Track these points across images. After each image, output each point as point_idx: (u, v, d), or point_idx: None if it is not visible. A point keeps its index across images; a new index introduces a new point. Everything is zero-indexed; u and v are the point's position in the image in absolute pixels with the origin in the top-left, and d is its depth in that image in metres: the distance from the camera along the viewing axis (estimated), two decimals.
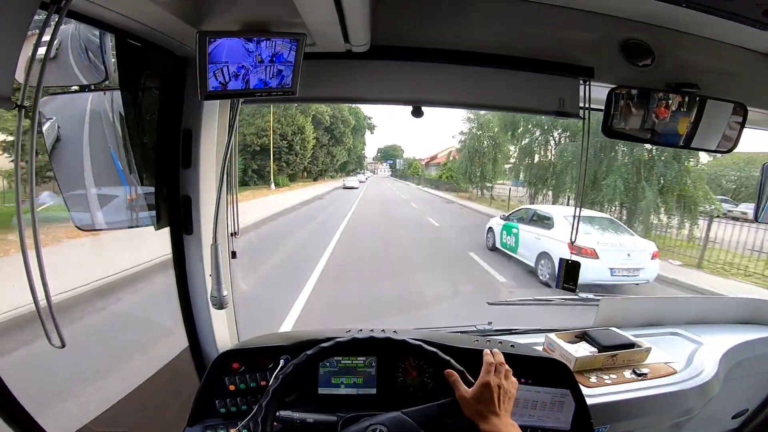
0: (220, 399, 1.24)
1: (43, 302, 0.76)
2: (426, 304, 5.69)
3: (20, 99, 0.69)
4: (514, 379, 1.03)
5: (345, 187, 32.34)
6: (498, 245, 8.55)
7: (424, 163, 55.55)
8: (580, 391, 1.29)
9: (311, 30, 1.06)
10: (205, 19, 1.01)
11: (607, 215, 8.86)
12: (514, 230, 7.99)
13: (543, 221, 7.49)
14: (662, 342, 1.82)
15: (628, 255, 6.50)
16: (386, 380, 1.27)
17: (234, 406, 1.25)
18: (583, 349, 1.66)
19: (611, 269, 6.35)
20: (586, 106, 1.35)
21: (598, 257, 6.31)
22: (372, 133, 53.67)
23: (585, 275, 3.90)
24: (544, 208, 8.16)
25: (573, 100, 1.36)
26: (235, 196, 1.38)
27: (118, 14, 0.92)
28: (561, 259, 1.49)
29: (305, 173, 36.62)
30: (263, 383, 1.25)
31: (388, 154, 71.19)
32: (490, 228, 9.10)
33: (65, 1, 0.72)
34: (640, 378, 1.58)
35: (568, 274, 1.47)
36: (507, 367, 1.03)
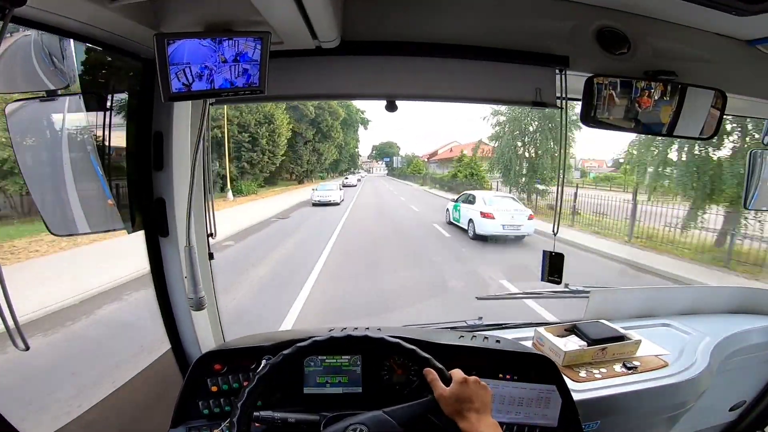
0: (203, 400, 1.24)
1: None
2: None
3: None
4: (483, 384, 1.00)
5: (344, 186, 27.51)
6: (451, 219, 13.13)
7: (424, 160, 52.82)
8: (566, 386, 1.27)
9: (276, 28, 1.05)
10: (164, 21, 1.00)
11: (509, 195, 14.53)
12: (458, 208, 12.57)
13: (471, 200, 12.15)
14: (653, 334, 1.80)
15: (512, 217, 10.72)
16: (372, 379, 1.26)
17: (217, 407, 1.24)
18: (573, 343, 1.64)
19: (502, 225, 10.58)
20: (563, 95, 1.32)
21: (494, 218, 10.66)
22: (366, 128, 50.53)
23: (486, 229, 10.39)
24: (473, 192, 13.17)
25: (549, 90, 1.34)
26: (210, 197, 1.38)
27: (72, 20, 0.91)
28: (545, 252, 1.46)
29: (291, 175, 31.95)
30: (245, 383, 1.24)
31: (384, 152, 67.45)
32: (447, 209, 13.79)
33: (9, 9, 0.71)
34: (630, 372, 1.56)
35: (552, 266, 1.45)
36: (468, 377, 0.99)
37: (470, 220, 11.36)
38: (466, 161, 27.72)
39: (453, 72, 1.33)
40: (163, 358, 1.49)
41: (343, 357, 1.27)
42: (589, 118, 1.30)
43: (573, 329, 1.71)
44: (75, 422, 1.24)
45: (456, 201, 13.15)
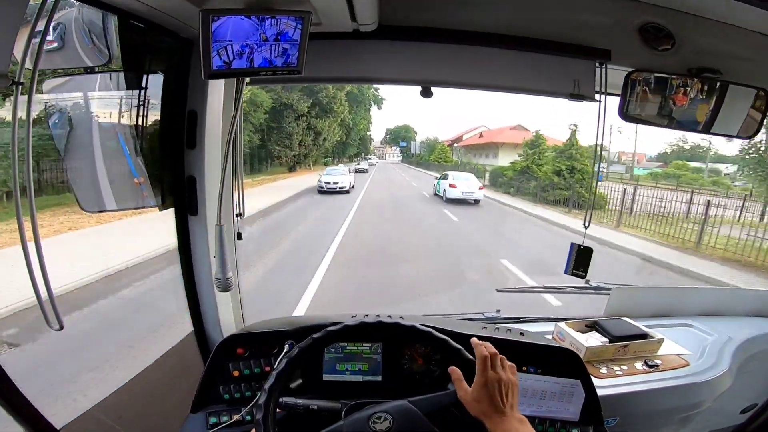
0: (224, 385, 1.24)
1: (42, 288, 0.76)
2: None
3: (17, 76, 0.68)
4: (511, 364, 0.97)
5: (356, 171, 25.65)
6: (435, 192, 18.44)
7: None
8: (591, 381, 1.26)
9: (317, 8, 1.04)
10: None
11: (470, 173, 19.58)
12: (439, 182, 18.14)
13: (445, 177, 17.91)
14: (674, 333, 1.79)
15: (468, 187, 16.42)
16: (392, 367, 1.26)
17: (238, 392, 1.24)
18: (594, 339, 1.63)
19: (462, 192, 16.11)
20: (602, 89, 1.30)
21: (456, 187, 16.25)
22: (380, 107, 42.87)
23: (453, 194, 16.41)
24: (447, 171, 19.58)
25: (588, 83, 1.32)
26: (240, 177, 1.37)
27: None
28: (572, 244, 1.45)
29: (278, 159, 24.74)
30: (267, 369, 1.24)
31: (399, 136, 61.22)
32: (433, 185, 19.35)
33: None
34: (651, 370, 1.55)
35: (579, 259, 1.43)
36: (501, 356, 0.96)
37: (444, 190, 16.96)
38: (550, 148, 19.67)
39: (490, 61, 1.32)
40: (186, 341, 1.48)
41: (364, 344, 1.26)
42: (626, 112, 1.30)
43: (594, 325, 1.70)
44: (98, 406, 1.24)
45: (438, 179, 19.06)
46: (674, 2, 1.15)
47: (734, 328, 1.81)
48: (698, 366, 1.58)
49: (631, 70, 1.25)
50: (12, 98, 0.70)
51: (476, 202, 16.18)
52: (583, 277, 1.47)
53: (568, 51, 1.28)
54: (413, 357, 1.27)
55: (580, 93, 1.32)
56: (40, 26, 0.75)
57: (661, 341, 1.63)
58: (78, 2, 0.99)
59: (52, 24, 0.93)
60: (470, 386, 0.92)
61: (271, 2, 1.00)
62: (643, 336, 1.63)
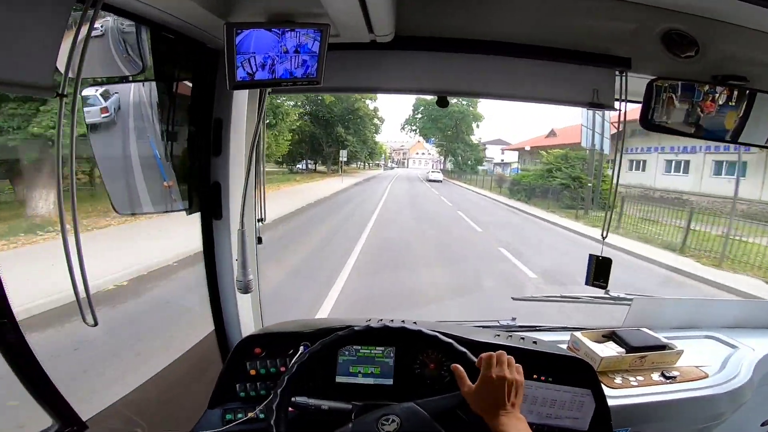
0: (241, 383, 1.27)
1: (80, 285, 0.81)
2: None
3: (61, 88, 0.74)
4: (517, 365, 0.99)
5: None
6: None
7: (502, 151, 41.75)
8: (602, 391, 1.26)
9: (335, 20, 1.07)
10: (232, 11, 1.03)
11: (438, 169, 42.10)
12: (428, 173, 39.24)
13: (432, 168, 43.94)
14: (696, 345, 1.74)
15: (438, 176, 36.59)
16: (404, 371, 1.27)
17: (253, 390, 1.27)
18: (610, 349, 1.61)
19: (430, 173, 38.32)
20: (623, 97, 1.28)
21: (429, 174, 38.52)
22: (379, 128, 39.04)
23: (428, 177, 37.48)
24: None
25: (607, 91, 1.31)
26: (262, 183, 1.42)
27: (151, 7, 0.96)
28: (591, 256, 1.43)
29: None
30: (282, 369, 1.28)
31: (436, 123, 40.78)
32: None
33: None
34: (668, 381, 1.52)
35: (598, 270, 1.42)
36: (509, 357, 0.98)
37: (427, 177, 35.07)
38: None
39: (507, 70, 1.32)
40: (206, 340, 1.54)
41: (377, 348, 1.28)
42: (648, 121, 1.27)
43: (611, 336, 1.67)
44: (122, 400, 1.30)
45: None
46: (698, 8, 1.12)
47: (759, 340, 1.75)
48: (718, 378, 1.54)
49: (652, 77, 1.22)
50: (57, 108, 0.76)
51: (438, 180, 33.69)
52: (604, 287, 1.46)
53: (586, 59, 1.27)
54: (425, 362, 1.28)
55: (599, 102, 1.30)
56: (80, 37, 0.81)
57: (680, 353, 1.60)
58: (112, 15, 1.05)
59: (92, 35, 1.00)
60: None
61: (291, 15, 1.05)
62: (662, 347, 1.60)
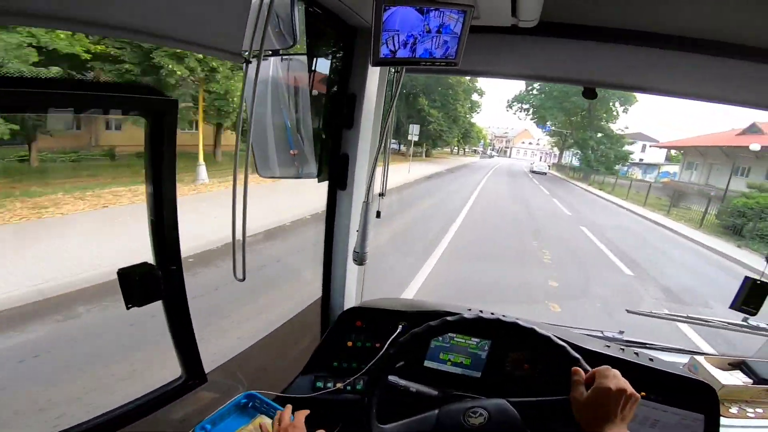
0: (336, 353, 1.32)
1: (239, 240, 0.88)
2: None
3: (249, 54, 0.83)
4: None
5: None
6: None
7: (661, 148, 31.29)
8: (718, 418, 1.15)
9: (478, 2, 1.05)
10: None
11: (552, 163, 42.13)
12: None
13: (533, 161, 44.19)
14: None
15: (542, 167, 37.54)
16: (494, 367, 1.25)
17: (345, 362, 1.32)
18: (735, 378, 1.45)
19: (534, 166, 38.88)
20: None
21: (533, 165, 40.57)
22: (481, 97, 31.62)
23: (534, 168, 37.73)
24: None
25: None
26: (387, 158, 1.45)
27: None
28: (746, 278, 1.28)
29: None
30: (377, 345, 1.30)
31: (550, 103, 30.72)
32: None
33: None
34: None
35: (752, 295, 1.27)
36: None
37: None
38: None
39: (669, 65, 1.20)
40: (312, 306, 1.62)
41: (473, 339, 1.26)
42: None
43: (740, 365, 1.50)
44: (235, 358, 1.41)
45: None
46: None
47: None
48: None
49: None
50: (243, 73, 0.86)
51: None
52: (752, 314, 1.30)
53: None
54: (519, 361, 1.24)
55: None
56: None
57: None
58: None
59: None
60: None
61: None
62: None
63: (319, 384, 1.28)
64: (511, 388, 1.20)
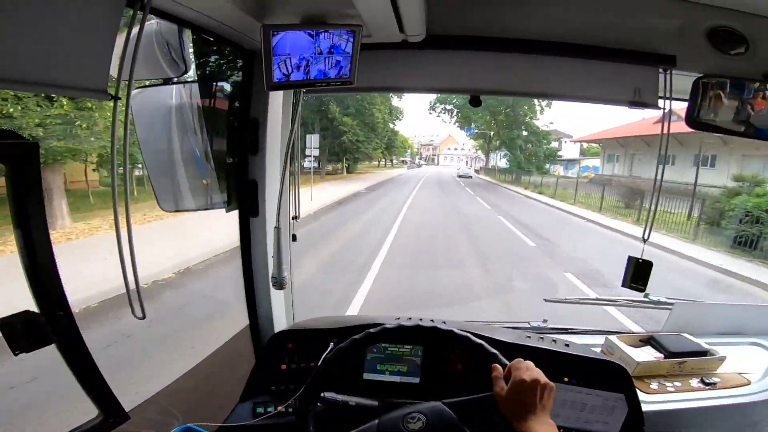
0: (272, 377, 1.31)
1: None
2: None
3: (115, 91, 0.78)
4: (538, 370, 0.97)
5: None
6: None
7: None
8: (636, 396, 1.23)
9: (366, 21, 1.07)
10: (268, 13, 1.05)
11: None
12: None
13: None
14: (740, 352, 1.67)
15: (468, 171, 40.75)
16: (431, 370, 1.27)
17: (283, 385, 1.30)
18: (647, 354, 1.57)
19: (461, 170, 42.97)
20: (667, 96, 1.23)
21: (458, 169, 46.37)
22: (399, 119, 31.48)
23: (461, 172, 40.82)
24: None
25: (650, 89, 1.25)
26: (297, 182, 1.44)
27: (193, 11, 0.99)
28: (630, 257, 1.38)
29: None
30: (312, 364, 1.30)
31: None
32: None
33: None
34: (707, 387, 1.48)
35: (637, 272, 1.37)
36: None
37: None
38: None
39: (543, 69, 1.29)
40: (241, 334, 1.58)
41: (405, 346, 1.28)
42: (694, 119, 1.22)
43: (649, 340, 1.62)
44: (163, 392, 1.34)
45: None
46: (747, 5, 1.06)
47: None
48: (760, 385, 1.48)
49: (699, 75, 1.17)
50: (111, 111, 0.81)
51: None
52: (642, 290, 1.41)
53: (628, 58, 1.22)
54: (453, 362, 1.27)
55: (641, 100, 1.25)
56: (122, 42, 0.84)
57: (722, 359, 1.54)
58: (156, 17, 1.10)
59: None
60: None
61: (324, 17, 1.06)
62: (703, 353, 1.54)
63: (260, 410, 1.26)
64: (450, 389, 1.20)
